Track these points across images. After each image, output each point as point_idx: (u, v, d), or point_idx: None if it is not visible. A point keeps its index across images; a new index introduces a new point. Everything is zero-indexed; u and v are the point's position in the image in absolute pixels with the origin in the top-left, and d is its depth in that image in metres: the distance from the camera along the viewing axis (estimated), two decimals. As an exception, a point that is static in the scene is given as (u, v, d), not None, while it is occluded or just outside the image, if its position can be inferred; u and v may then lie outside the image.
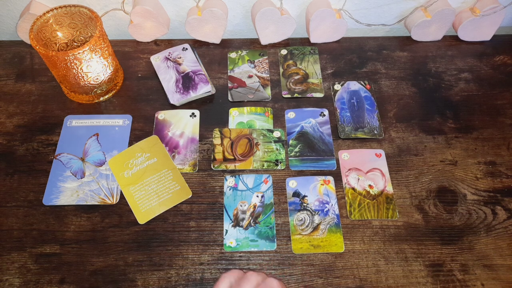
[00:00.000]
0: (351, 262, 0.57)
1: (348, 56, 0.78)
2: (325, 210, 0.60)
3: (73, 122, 0.69)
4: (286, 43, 0.79)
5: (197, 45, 0.79)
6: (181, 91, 0.70)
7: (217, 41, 0.79)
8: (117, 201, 0.61)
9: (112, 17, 0.79)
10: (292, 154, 0.65)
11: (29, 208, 0.61)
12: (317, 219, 0.60)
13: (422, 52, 0.78)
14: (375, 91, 0.73)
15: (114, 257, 0.57)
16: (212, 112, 0.70)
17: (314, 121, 0.69)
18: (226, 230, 0.59)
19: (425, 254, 0.57)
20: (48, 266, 0.56)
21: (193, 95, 0.70)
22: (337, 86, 0.73)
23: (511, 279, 0.55)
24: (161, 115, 0.70)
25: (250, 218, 0.60)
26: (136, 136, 0.68)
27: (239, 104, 0.71)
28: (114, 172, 0.63)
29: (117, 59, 0.73)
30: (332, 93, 0.73)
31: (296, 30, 0.79)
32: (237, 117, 0.70)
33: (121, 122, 0.69)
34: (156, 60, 0.75)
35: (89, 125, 0.68)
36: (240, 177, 0.63)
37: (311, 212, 0.60)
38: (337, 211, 0.60)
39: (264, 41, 0.79)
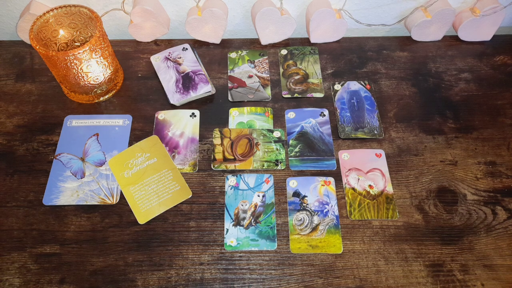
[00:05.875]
0: (351, 262, 0.57)
1: (348, 56, 0.78)
2: (324, 211, 0.60)
3: (73, 122, 0.69)
4: (286, 43, 0.79)
5: (197, 45, 0.79)
6: (181, 91, 0.70)
7: (217, 41, 0.79)
8: (117, 201, 0.61)
9: (112, 17, 0.79)
10: (292, 154, 0.65)
11: (29, 208, 0.61)
12: (316, 219, 0.60)
13: (422, 52, 0.78)
14: (375, 91, 0.73)
15: (114, 257, 0.57)
16: (212, 112, 0.70)
17: (314, 121, 0.69)
18: (227, 229, 0.59)
19: (425, 254, 0.57)
20: (48, 266, 0.56)
21: (193, 95, 0.70)
22: (337, 86, 0.73)
23: (511, 279, 0.55)
24: (161, 115, 0.70)
25: (251, 217, 0.60)
26: (136, 136, 0.68)
27: (239, 104, 0.71)
28: (114, 172, 0.63)
29: (117, 59, 0.73)
30: (332, 93, 0.72)
31: (296, 30, 0.79)
32: (237, 117, 0.70)
33: (121, 122, 0.69)
34: (156, 60, 0.75)
35: (89, 125, 0.68)
36: (242, 177, 0.63)
37: (310, 213, 0.60)
38: (336, 212, 0.60)
39: (264, 41, 0.79)
